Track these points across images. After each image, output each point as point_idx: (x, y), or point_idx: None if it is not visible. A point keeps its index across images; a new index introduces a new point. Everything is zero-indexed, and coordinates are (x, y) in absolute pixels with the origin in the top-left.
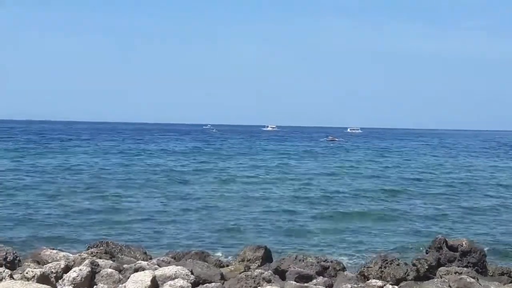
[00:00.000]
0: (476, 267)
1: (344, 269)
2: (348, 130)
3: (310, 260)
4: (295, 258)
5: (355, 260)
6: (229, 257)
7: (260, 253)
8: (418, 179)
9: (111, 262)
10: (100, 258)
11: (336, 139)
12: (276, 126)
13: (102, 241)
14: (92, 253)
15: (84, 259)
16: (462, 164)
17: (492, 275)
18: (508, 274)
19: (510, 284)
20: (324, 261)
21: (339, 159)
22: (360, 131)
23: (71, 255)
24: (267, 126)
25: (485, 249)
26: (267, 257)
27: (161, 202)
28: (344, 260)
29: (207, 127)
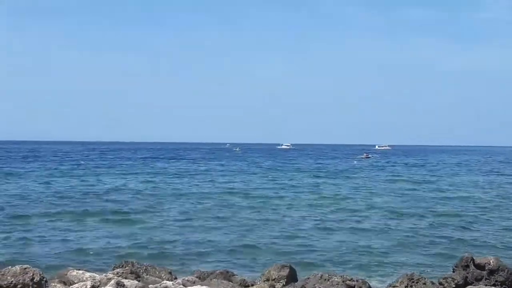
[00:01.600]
0: (504, 286)
1: None
2: (376, 147)
3: (336, 279)
4: (320, 277)
5: (382, 279)
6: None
7: (285, 272)
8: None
9: (137, 282)
10: (126, 278)
11: (370, 156)
12: (291, 144)
13: (127, 261)
14: (117, 273)
15: (110, 279)
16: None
17: None
18: None
19: None
20: (349, 280)
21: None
22: (388, 147)
23: (97, 275)
24: (282, 145)
25: None
26: (292, 276)
27: None
28: (374, 278)
29: (226, 146)
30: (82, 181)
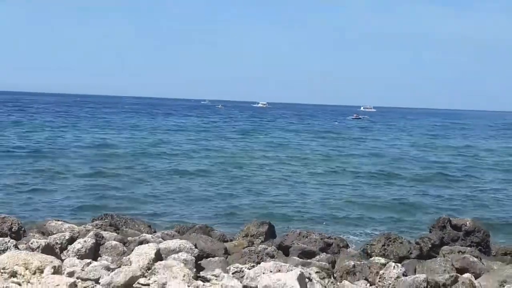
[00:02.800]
0: (479, 247)
1: (347, 246)
2: (362, 108)
3: (314, 237)
4: (299, 234)
5: (359, 238)
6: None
7: (264, 228)
8: None
9: (116, 234)
10: (105, 230)
11: (361, 116)
12: (267, 103)
13: (107, 214)
14: (97, 225)
15: (89, 231)
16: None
17: (495, 255)
18: (511, 254)
19: None
20: (327, 238)
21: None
22: (373, 109)
23: (76, 226)
24: (258, 103)
25: None
26: (270, 233)
27: None
28: (349, 237)
29: (205, 102)
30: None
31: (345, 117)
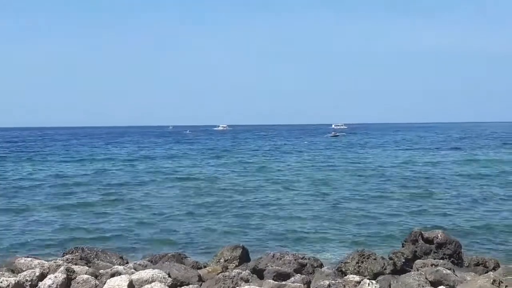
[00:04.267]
0: (452, 259)
1: (321, 265)
2: (333, 126)
3: (288, 258)
4: (273, 257)
5: (333, 256)
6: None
7: (238, 252)
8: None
9: (87, 268)
10: (76, 264)
11: (338, 134)
12: (227, 125)
13: (77, 247)
14: (67, 259)
15: (60, 265)
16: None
17: (468, 266)
18: (483, 264)
19: (486, 274)
20: (301, 258)
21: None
22: (345, 127)
23: (46, 262)
24: (218, 126)
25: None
26: (245, 257)
27: None
28: (327, 255)
29: (169, 129)
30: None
31: (317, 136)
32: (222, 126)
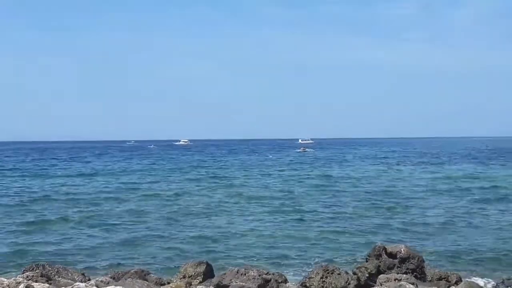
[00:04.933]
0: (415, 273)
1: (286, 281)
2: (300, 141)
3: (252, 274)
4: (237, 272)
5: (297, 271)
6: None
7: (202, 268)
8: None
9: (48, 285)
10: (36, 281)
11: (307, 149)
12: (188, 140)
13: (38, 264)
14: (27, 276)
15: (19, 283)
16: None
17: (430, 280)
18: (446, 279)
19: None
20: (266, 274)
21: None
22: (311, 141)
23: (5, 279)
24: (179, 141)
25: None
26: (209, 273)
27: None
28: (290, 271)
29: (131, 143)
30: None
31: (285, 151)
32: (184, 141)
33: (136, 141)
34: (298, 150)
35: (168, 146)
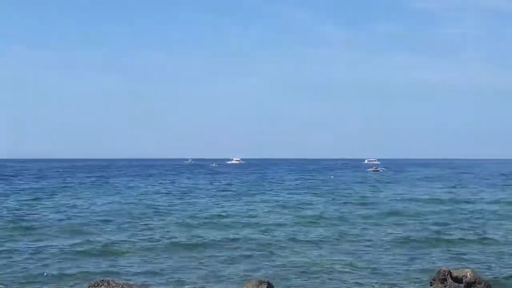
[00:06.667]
0: None
1: None
2: (366, 161)
3: None
4: None
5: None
6: None
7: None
8: None
9: None
10: None
11: (379, 169)
12: (241, 159)
13: (103, 280)
14: None
15: None
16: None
17: None
18: None
19: None
20: None
21: None
22: (378, 162)
23: None
24: (232, 159)
25: None
26: None
27: None
28: None
29: (188, 161)
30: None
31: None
32: (236, 160)
33: (193, 159)
34: (371, 169)
35: (220, 165)
